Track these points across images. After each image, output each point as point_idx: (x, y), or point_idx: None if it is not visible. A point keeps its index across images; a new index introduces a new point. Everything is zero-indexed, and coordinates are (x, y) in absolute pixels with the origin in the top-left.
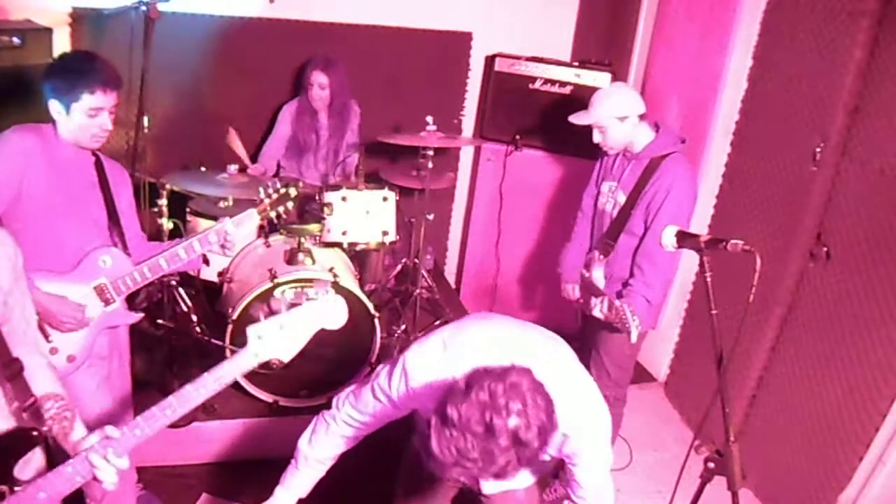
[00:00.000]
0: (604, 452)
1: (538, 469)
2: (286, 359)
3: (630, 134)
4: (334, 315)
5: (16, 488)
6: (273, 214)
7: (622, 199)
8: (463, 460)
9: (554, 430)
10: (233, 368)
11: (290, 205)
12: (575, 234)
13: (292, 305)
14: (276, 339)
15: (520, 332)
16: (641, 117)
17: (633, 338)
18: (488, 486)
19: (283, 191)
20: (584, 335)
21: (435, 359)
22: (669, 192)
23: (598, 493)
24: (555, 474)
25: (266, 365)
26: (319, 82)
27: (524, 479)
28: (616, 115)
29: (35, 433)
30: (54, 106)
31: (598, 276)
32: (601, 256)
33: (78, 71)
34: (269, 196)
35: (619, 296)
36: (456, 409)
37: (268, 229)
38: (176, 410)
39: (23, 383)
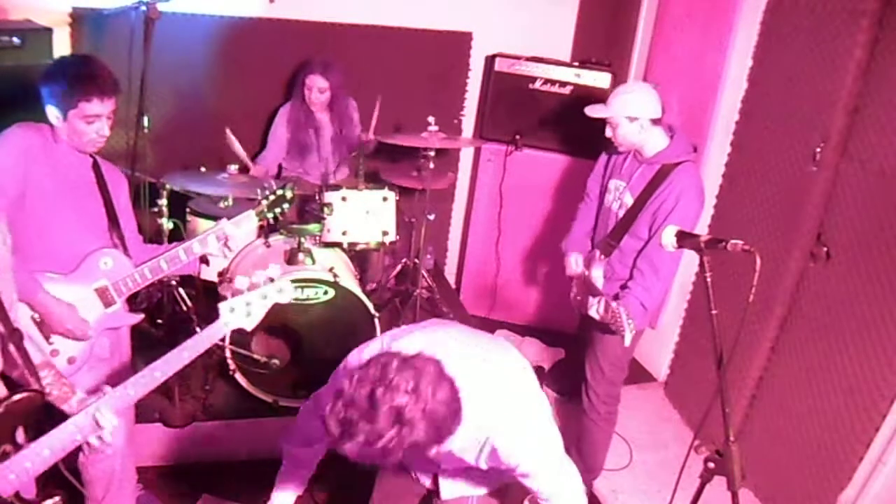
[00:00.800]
0: (543, 458)
1: (491, 479)
2: (249, 328)
3: (638, 136)
4: (286, 292)
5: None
6: (271, 216)
7: (629, 200)
8: (350, 431)
9: (450, 424)
10: (207, 337)
11: (286, 206)
12: (578, 215)
13: (252, 286)
14: (242, 313)
15: (465, 335)
16: (655, 122)
17: (627, 341)
18: (446, 489)
19: (279, 192)
20: (581, 333)
21: (372, 353)
22: (678, 201)
23: (553, 490)
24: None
25: (266, 365)
26: (319, 86)
27: (484, 483)
28: (626, 114)
29: (40, 396)
30: (51, 111)
31: (597, 275)
32: (602, 256)
33: (75, 78)
34: (266, 198)
35: (617, 297)
36: (349, 381)
37: (268, 229)
38: (164, 373)
39: (25, 351)
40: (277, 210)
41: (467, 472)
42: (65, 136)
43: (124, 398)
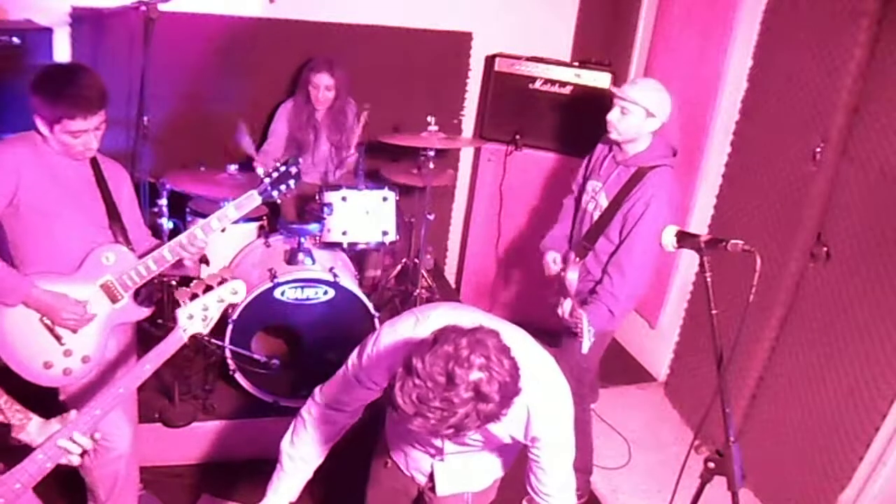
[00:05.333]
0: (567, 437)
1: (490, 470)
2: (205, 332)
3: (639, 133)
4: (240, 292)
5: None
6: (275, 194)
7: (604, 202)
8: (424, 409)
9: (517, 393)
10: (168, 347)
11: (292, 183)
12: (560, 215)
13: (207, 287)
14: (199, 318)
15: (488, 317)
16: (659, 128)
17: (584, 349)
18: (442, 485)
19: (283, 169)
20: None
21: (406, 330)
22: (647, 207)
23: (562, 484)
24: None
25: (266, 365)
26: (325, 84)
27: (480, 477)
28: (649, 107)
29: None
30: (39, 122)
31: (572, 277)
32: (577, 259)
33: (57, 95)
34: (269, 176)
35: (593, 291)
36: (420, 359)
37: (268, 229)
38: (128, 388)
39: None
40: (282, 187)
41: (465, 462)
42: (55, 146)
43: (91, 419)
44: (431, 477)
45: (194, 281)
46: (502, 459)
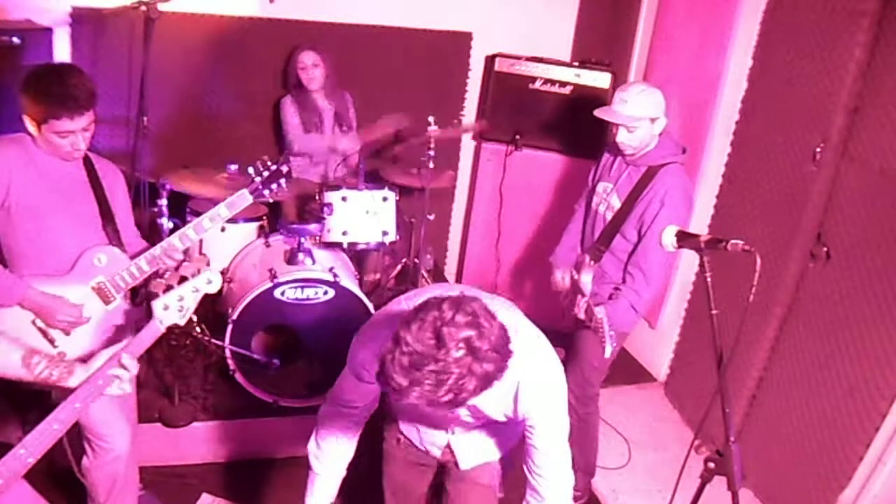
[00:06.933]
0: (558, 414)
1: (501, 440)
2: (182, 323)
3: (651, 136)
4: (215, 283)
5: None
6: (267, 192)
7: (617, 203)
8: (417, 376)
9: (510, 354)
10: (144, 338)
11: (282, 181)
12: (570, 224)
13: (182, 279)
14: (175, 308)
15: (480, 292)
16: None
17: (608, 353)
18: (464, 458)
19: (274, 168)
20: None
21: (393, 308)
22: (663, 204)
23: (555, 462)
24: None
25: (266, 365)
26: (312, 62)
27: (500, 447)
28: (651, 114)
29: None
30: (27, 122)
31: (586, 280)
32: (591, 262)
33: (44, 95)
34: (259, 175)
35: (611, 297)
36: (407, 328)
37: (268, 229)
38: (106, 380)
39: None
40: (273, 186)
41: (479, 434)
42: (43, 146)
43: (72, 412)
44: (450, 449)
45: (168, 272)
46: (517, 429)
